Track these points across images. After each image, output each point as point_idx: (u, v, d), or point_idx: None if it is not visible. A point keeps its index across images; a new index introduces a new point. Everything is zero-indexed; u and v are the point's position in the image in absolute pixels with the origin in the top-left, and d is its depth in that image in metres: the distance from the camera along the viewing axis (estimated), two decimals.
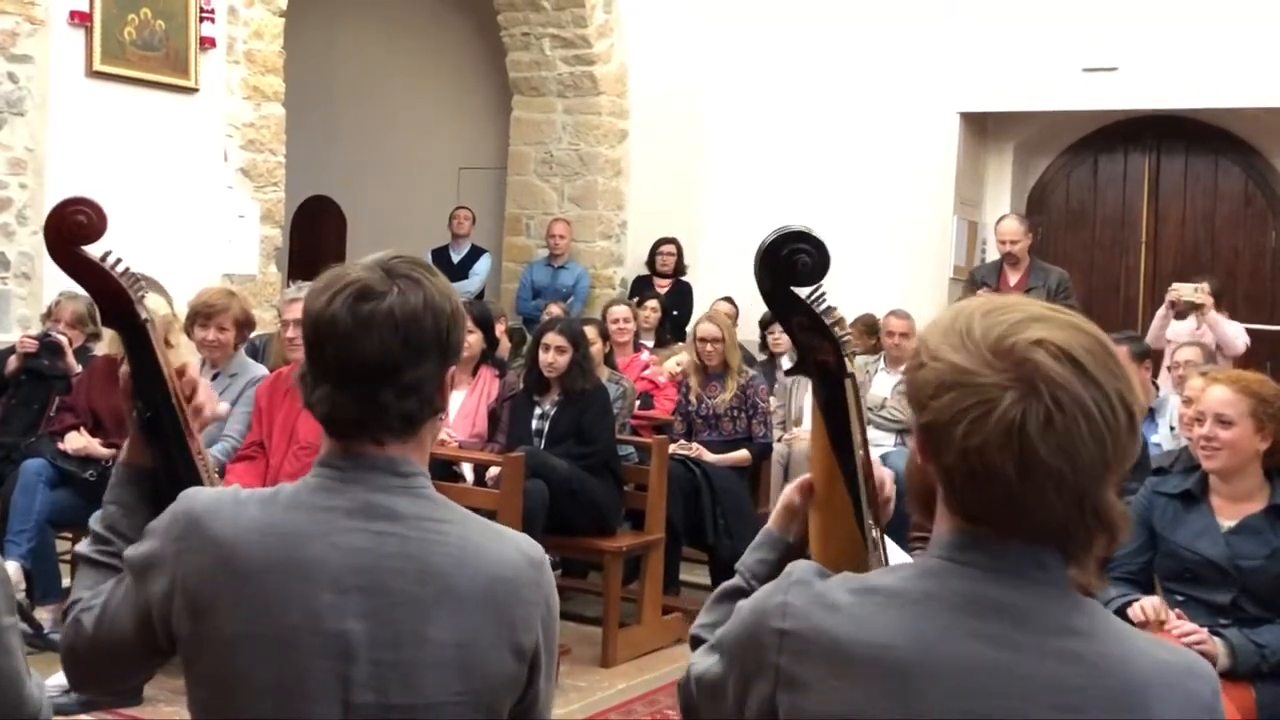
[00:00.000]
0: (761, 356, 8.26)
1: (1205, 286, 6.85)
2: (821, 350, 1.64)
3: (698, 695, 1.59)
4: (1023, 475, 1.28)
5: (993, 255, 7.63)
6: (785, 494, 1.74)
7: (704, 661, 1.58)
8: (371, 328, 1.58)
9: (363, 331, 1.58)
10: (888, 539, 1.85)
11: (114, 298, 1.87)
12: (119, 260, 1.88)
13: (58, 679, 2.42)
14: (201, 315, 5.26)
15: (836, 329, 1.64)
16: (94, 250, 1.87)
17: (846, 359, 1.65)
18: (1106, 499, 1.32)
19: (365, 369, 1.59)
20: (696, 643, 1.68)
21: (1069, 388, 1.28)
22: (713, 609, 1.72)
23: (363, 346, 1.58)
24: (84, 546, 1.83)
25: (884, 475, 1.68)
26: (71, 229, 1.85)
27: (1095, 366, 1.30)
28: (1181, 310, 6.89)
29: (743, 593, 1.63)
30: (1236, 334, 7.00)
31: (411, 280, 1.61)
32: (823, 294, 1.64)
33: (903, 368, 7.39)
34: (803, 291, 1.64)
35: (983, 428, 1.28)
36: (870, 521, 1.63)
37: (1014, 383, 1.28)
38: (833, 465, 1.63)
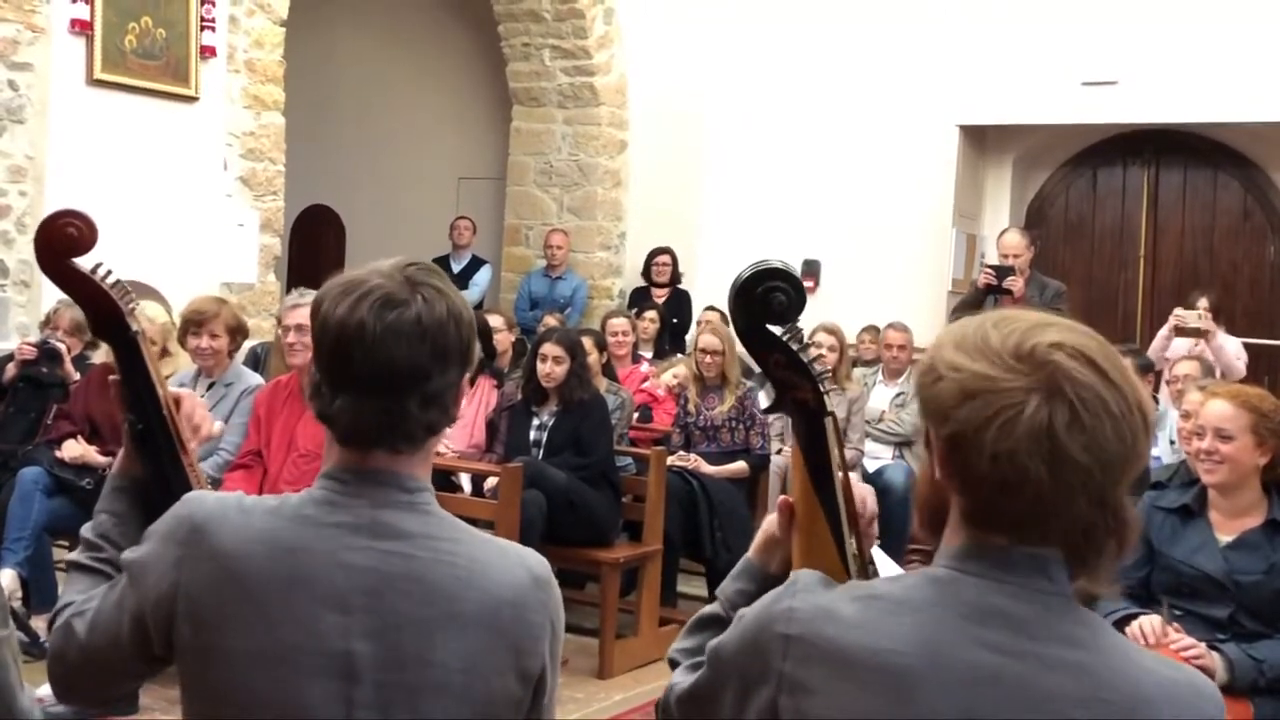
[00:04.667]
0: (758, 368, 8.23)
1: (1207, 312, 6.82)
2: (800, 389, 1.61)
3: (679, 712, 1.58)
4: (1054, 476, 1.28)
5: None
6: (766, 523, 1.72)
7: (687, 678, 1.57)
8: (400, 335, 1.56)
9: (392, 339, 1.56)
10: (881, 554, 1.83)
11: (104, 310, 1.85)
12: (110, 272, 1.86)
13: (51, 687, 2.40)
14: (193, 324, 5.24)
15: (815, 366, 1.61)
16: (84, 262, 1.85)
17: (826, 397, 1.62)
18: (1123, 499, 1.34)
19: (394, 377, 1.56)
20: (673, 665, 1.67)
21: (1092, 387, 1.30)
22: (690, 635, 1.71)
23: (392, 354, 1.56)
24: (75, 554, 1.81)
25: (864, 493, 1.65)
26: (62, 241, 1.83)
27: (1110, 367, 1.32)
28: (1186, 335, 6.85)
29: (721, 620, 1.62)
30: (1237, 355, 6.97)
31: (434, 289, 1.61)
32: (799, 331, 1.61)
33: (908, 384, 7.30)
34: (778, 329, 1.61)
35: (1012, 432, 1.28)
36: (854, 553, 1.61)
37: (1039, 385, 1.29)
38: (814, 503, 1.61)
